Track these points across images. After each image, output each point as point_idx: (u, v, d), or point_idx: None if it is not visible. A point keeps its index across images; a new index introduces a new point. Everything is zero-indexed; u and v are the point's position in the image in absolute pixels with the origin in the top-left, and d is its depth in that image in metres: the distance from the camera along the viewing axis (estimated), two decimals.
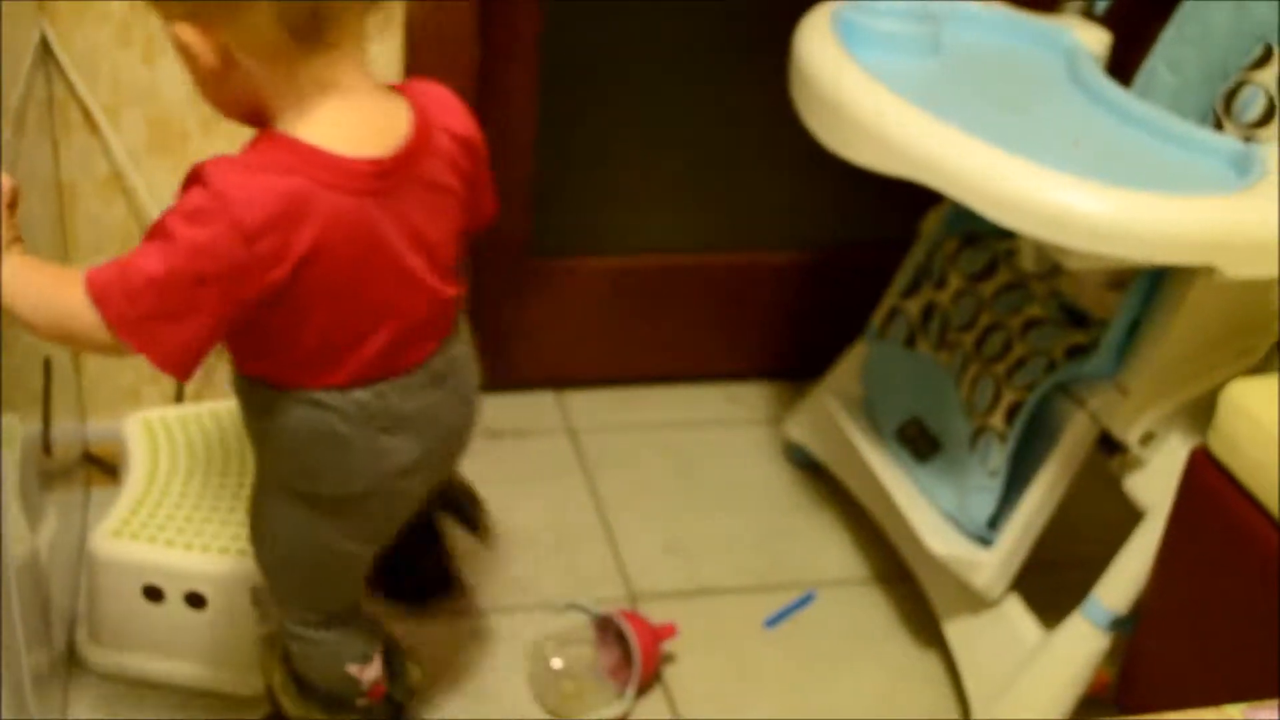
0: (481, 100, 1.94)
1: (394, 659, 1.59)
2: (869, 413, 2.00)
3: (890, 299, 2.00)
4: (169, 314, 1.17)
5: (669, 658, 1.85)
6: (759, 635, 1.92)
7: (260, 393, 1.35)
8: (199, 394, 1.99)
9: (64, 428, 1.73)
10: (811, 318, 2.35)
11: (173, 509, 1.69)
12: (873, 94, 1.59)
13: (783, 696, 1.83)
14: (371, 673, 1.52)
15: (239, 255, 1.16)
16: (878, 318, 2.02)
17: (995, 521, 1.77)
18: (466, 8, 1.84)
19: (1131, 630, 1.65)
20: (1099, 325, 1.72)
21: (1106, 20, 1.88)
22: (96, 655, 1.70)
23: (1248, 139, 1.75)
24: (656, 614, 1.87)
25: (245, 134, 1.26)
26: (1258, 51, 1.80)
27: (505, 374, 2.28)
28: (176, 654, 1.68)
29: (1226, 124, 1.81)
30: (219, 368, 1.96)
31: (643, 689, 1.78)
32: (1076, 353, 1.73)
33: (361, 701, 1.53)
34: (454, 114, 1.35)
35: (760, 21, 2.08)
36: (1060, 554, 1.79)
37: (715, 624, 1.92)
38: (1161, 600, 1.60)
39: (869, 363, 2.02)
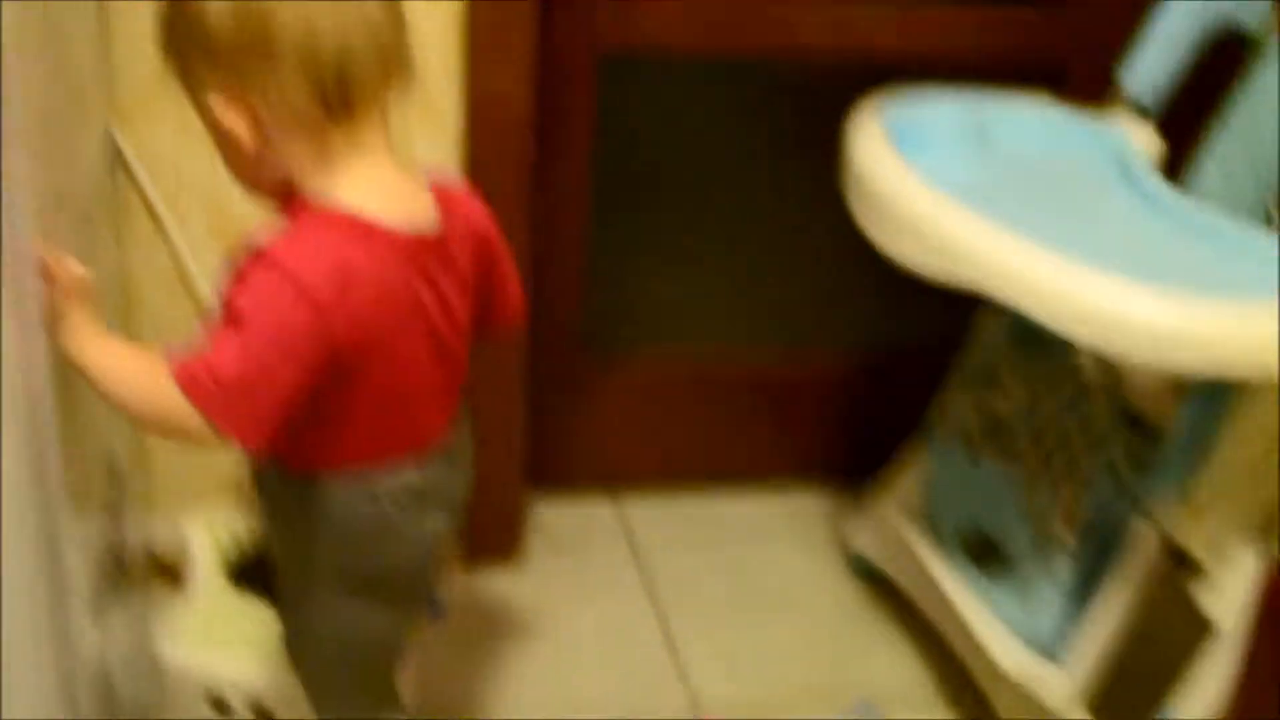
0: (535, 196, 1.96)
1: None
2: (930, 521, 1.98)
3: (947, 404, 1.99)
4: (255, 397, 1.19)
5: None
6: None
7: (301, 487, 1.34)
8: None
9: (129, 530, 1.73)
10: (868, 418, 2.33)
11: (234, 613, 1.69)
12: (925, 198, 1.60)
13: None
14: None
15: (314, 328, 1.19)
16: (935, 423, 2.00)
17: (1063, 637, 1.74)
18: (523, 103, 1.86)
19: None
20: (1164, 434, 1.70)
21: (1157, 119, 1.88)
22: None
23: None
24: None
25: None
26: None
27: (560, 475, 2.28)
28: None
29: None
30: None
31: None
32: (1142, 463, 1.71)
33: None
34: (469, 207, 1.39)
35: (815, 117, 2.09)
36: (1133, 669, 1.75)
37: None
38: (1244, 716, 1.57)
39: (928, 470, 2.00)
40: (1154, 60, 1.86)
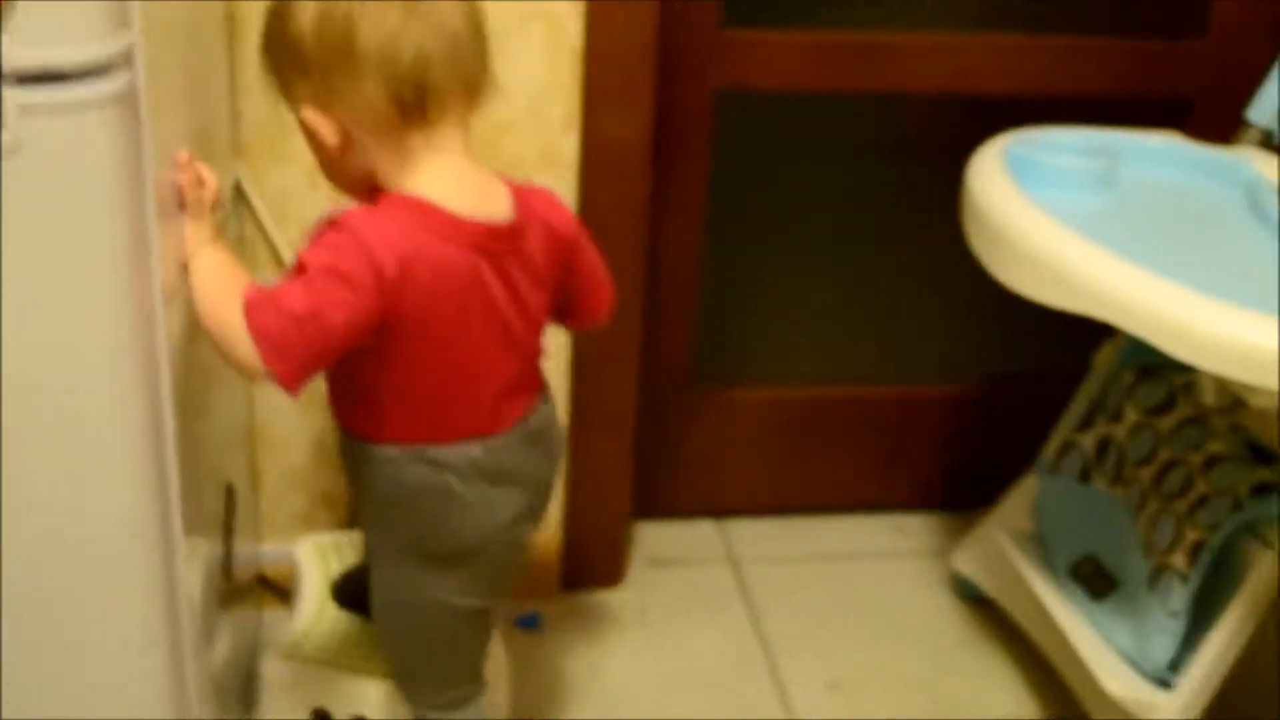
0: (649, 234, 1.97)
1: None
2: (1041, 548, 1.95)
3: (1063, 432, 1.97)
4: (303, 337, 1.24)
5: None
6: None
7: (373, 453, 1.39)
8: None
9: (240, 550, 1.76)
10: (977, 450, 2.31)
11: (343, 634, 1.71)
12: (1050, 231, 1.59)
13: None
14: None
15: (369, 282, 1.25)
16: (1050, 451, 1.98)
17: (1176, 664, 1.71)
18: (641, 148, 1.88)
19: None
20: None
21: None
22: None
23: None
24: None
25: None
26: None
27: (668, 502, 2.28)
28: None
29: None
30: None
31: None
32: (1262, 491, 1.68)
33: None
34: (550, 208, 1.43)
35: (930, 150, 2.09)
36: (1244, 701, 1.72)
37: None
38: None
39: (1041, 497, 1.98)
40: None
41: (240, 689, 1.73)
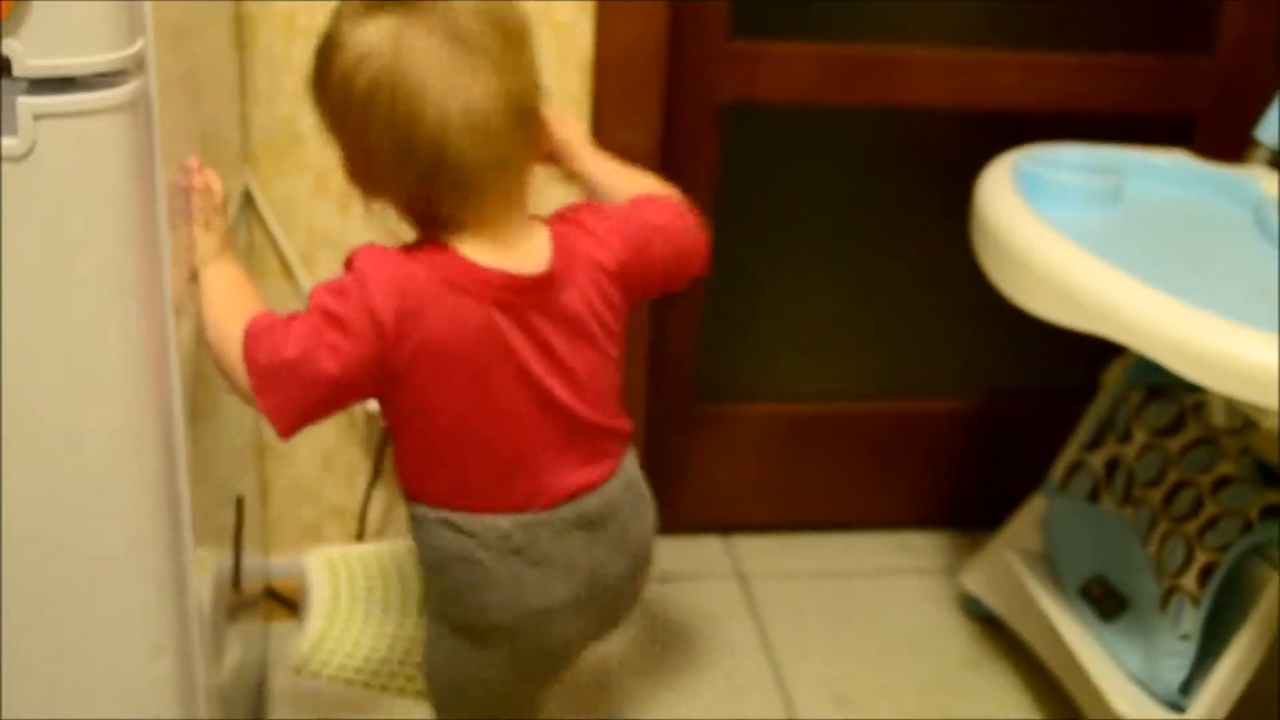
0: None
1: None
2: (1050, 568, 1.95)
3: (1072, 451, 1.96)
4: (297, 378, 1.22)
5: None
6: None
7: (413, 510, 1.36)
8: (380, 532, 2.01)
9: (249, 562, 1.76)
10: (985, 467, 2.31)
11: (352, 647, 1.71)
12: (1058, 248, 1.58)
13: None
14: None
15: (366, 329, 1.21)
16: (1059, 470, 1.98)
17: (1187, 687, 1.70)
18: (649, 157, 1.87)
19: None
20: None
21: None
22: None
23: None
24: None
25: None
26: None
27: (674, 518, 2.27)
28: None
29: None
30: (398, 505, 1.99)
31: None
32: (1273, 513, 1.67)
33: None
34: (598, 245, 1.34)
35: (936, 165, 2.09)
36: None
37: None
38: None
39: (1050, 517, 1.97)
40: None
41: (249, 701, 1.73)
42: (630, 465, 1.42)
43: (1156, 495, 1.81)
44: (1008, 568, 1.99)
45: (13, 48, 1.00)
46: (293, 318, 1.24)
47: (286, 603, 1.94)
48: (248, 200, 1.79)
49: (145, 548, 1.18)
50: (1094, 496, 1.90)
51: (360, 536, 2.00)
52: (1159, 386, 1.88)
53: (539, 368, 1.28)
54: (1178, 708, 1.71)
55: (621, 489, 1.39)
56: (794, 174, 2.14)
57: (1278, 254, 1.67)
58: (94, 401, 1.13)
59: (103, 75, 1.05)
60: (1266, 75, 1.90)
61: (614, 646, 2.03)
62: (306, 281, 1.86)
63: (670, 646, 2.05)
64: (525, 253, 1.28)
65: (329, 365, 1.21)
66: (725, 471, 2.28)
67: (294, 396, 1.23)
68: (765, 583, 2.21)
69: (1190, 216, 1.78)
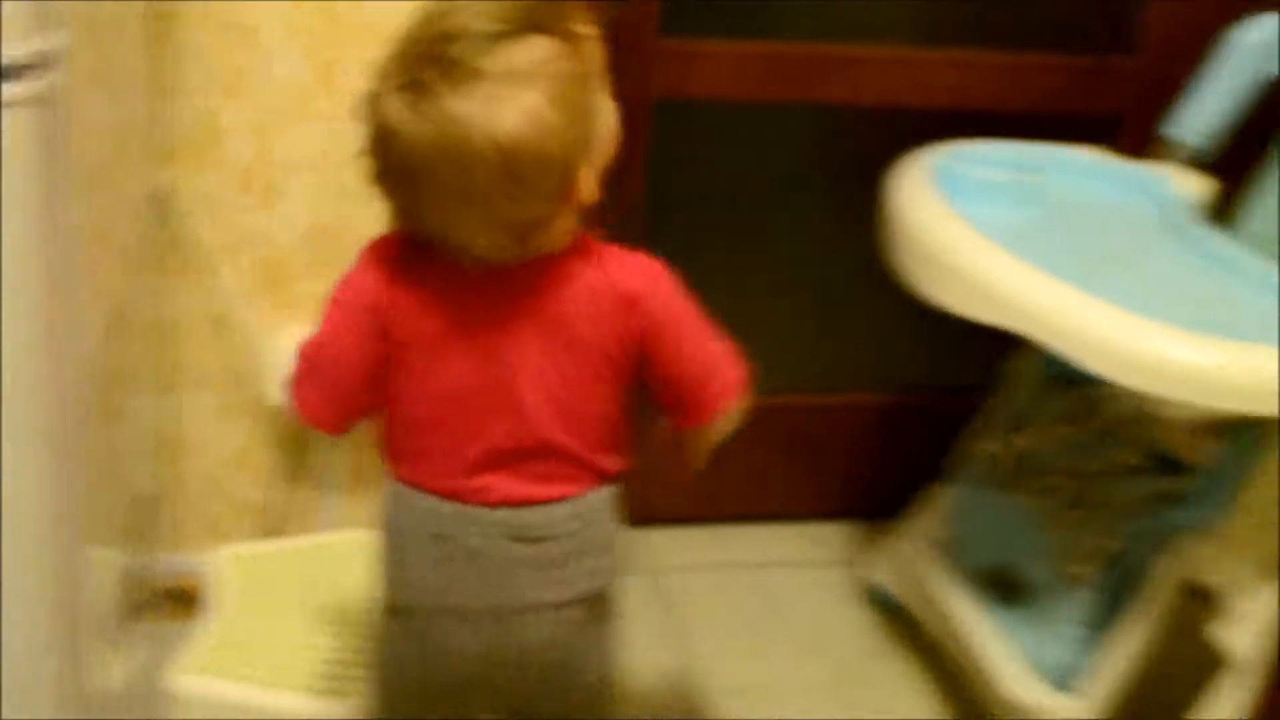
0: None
1: None
2: (952, 556, 1.98)
3: (977, 442, 2.00)
4: (317, 374, 1.30)
5: None
6: None
7: (385, 485, 1.38)
8: (287, 530, 2.01)
9: (154, 559, 1.75)
10: (894, 459, 2.34)
11: (257, 646, 1.70)
12: (970, 243, 1.61)
13: None
14: None
15: (357, 301, 1.27)
16: (963, 461, 2.01)
17: (1079, 668, 1.74)
18: None
19: None
20: (1191, 472, 1.70)
21: (1208, 166, 1.88)
22: None
23: None
24: None
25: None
26: None
27: None
28: None
29: None
30: (310, 504, 1.99)
31: None
32: (1169, 500, 1.71)
33: None
34: (628, 273, 1.31)
35: (862, 163, 2.10)
36: (1146, 703, 1.75)
37: None
38: None
39: (954, 506, 2.01)
40: (1206, 109, 1.87)
41: (148, 702, 1.72)
42: (604, 513, 1.40)
43: (1056, 484, 1.84)
44: (910, 557, 2.02)
45: None
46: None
47: (191, 601, 1.93)
48: (165, 196, 1.78)
49: (35, 545, 1.18)
50: (997, 486, 1.93)
51: (267, 534, 2.00)
52: (1062, 377, 1.91)
53: (512, 366, 1.28)
54: (1071, 691, 1.74)
55: (576, 522, 1.37)
56: (724, 170, 2.16)
57: (1184, 251, 1.70)
58: None
59: (17, 68, 1.04)
60: (1188, 73, 1.94)
61: None
62: (229, 278, 1.86)
63: None
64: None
65: (341, 346, 1.27)
66: (635, 465, 2.28)
67: (320, 388, 1.30)
68: (677, 576, 2.23)
69: (1106, 213, 1.81)
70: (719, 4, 2.04)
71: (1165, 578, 1.69)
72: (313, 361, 1.30)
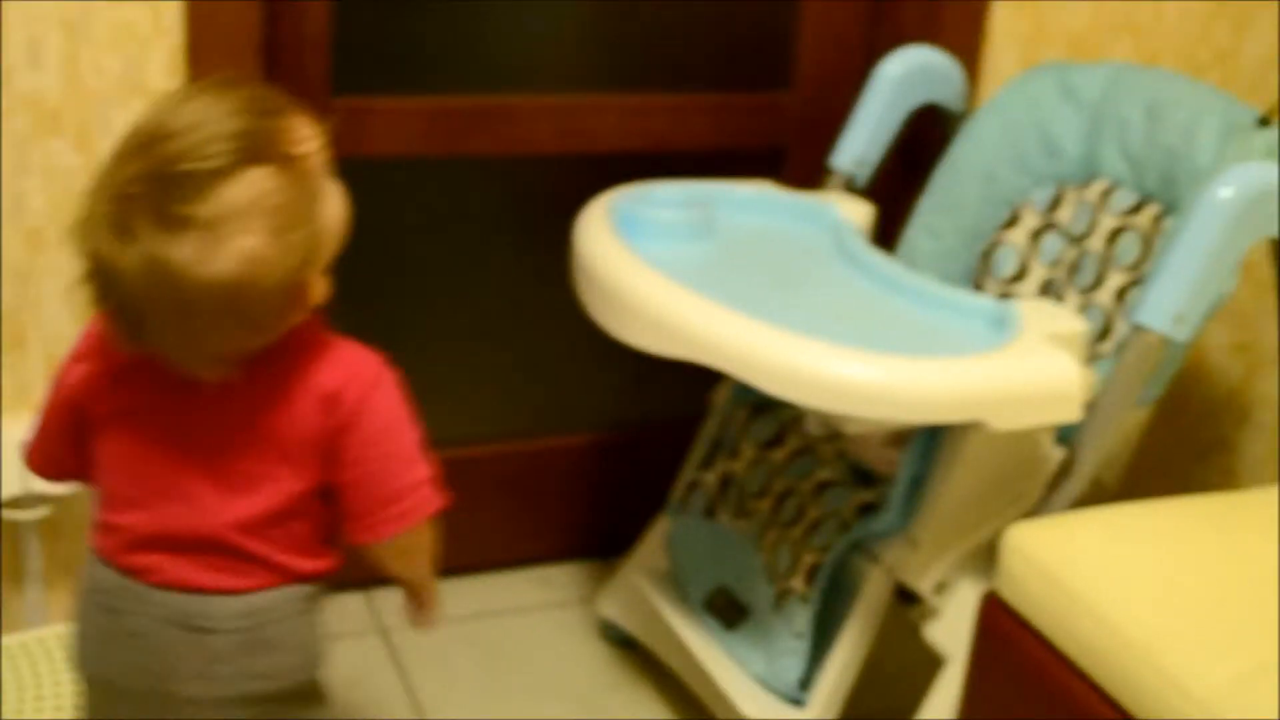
0: None
1: None
2: (677, 585, 2.02)
3: (688, 472, 2.05)
4: (39, 430, 1.37)
5: None
6: None
7: None
8: None
9: None
10: (615, 496, 2.38)
11: None
12: (648, 281, 1.65)
13: None
14: None
15: (62, 384, 1.32)
16: (677, 491, 2.06)
17: (806, 682, 1.80)
18: None
19: None
20: (885, 483, 1.79)
21: (867, 193, 1.99)
22: None
23: (1004, 294, 1.87)
24: None
25: None
26: (1006, 215, 1.93)
27: None
28: None
29: (986, 281, 1.93)
30: (12, 601, 1.91)
31: None
32: (867, 510, 1.79)
33: None
34: (335, 366, 1.30)
35: (548, 211, 2.14)
36: (873, 707, 1.82)
37: None
38: None
39: (672, 536, 2.05)
40: (862, 138, 1.98)
41: None
42: (276, 601, 1.33)
43: (765, 505, 1.91)
44: (638, 590, 2.06)
45: None
46: None
47: None
48: None
49: None
50: (710, 512, 1.99)
51: None
52: (761, 404, 1.98)
53: (183, 447, 1.27)
54: (799, 703, 1.80)
55: (240, 620, 1.31)
56: (413, 226, 2.16)
57: (855, 273, 1.79)
58: None
59: None
60: (841, 105, 2.04)
61: None
62: None
63: None
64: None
65: (53, 399, 1.34)
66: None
67: (37, 441, 1.38)
68: (408, 634, 2.21)
69: (778, 243, 1.89)
70: (390, 60, 2.05)
71: (875, 585, 1.77)
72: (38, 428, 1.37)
